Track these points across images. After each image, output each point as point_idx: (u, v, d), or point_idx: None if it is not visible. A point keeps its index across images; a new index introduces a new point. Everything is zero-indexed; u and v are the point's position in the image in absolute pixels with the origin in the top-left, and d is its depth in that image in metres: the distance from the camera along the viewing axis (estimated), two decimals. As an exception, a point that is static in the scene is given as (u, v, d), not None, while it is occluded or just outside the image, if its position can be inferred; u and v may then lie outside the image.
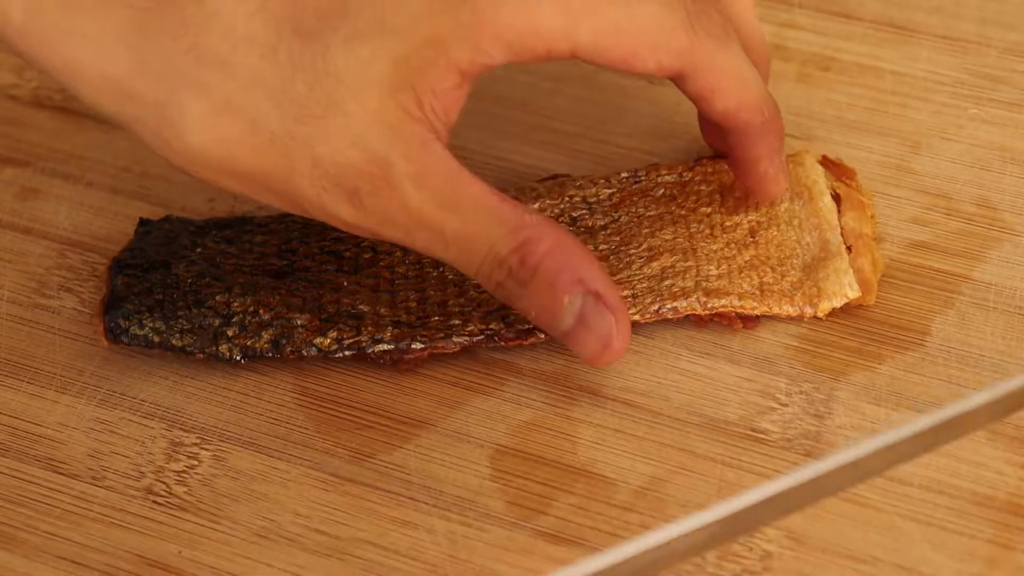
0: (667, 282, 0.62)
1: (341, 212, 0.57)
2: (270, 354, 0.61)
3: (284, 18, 0.55)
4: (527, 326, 0.61)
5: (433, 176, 0.56)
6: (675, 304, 0.62)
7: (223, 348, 0.61)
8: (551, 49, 0.56)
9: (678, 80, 0.59)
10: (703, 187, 0.65)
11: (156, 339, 0.62)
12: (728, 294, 0.62)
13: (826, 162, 0.66)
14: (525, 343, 0.61)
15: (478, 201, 0.57)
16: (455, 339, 0.61)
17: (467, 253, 0.57)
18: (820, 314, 0.62)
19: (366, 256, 0.64)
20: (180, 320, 0.62)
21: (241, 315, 0.62)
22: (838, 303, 0.62)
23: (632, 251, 0.63)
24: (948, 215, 0.67)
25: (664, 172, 0.65)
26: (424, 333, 0.61)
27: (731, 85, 0.60)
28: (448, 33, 0.55)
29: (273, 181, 0.56)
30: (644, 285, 0.62)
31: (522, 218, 0.57)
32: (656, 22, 0.57)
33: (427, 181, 0.56)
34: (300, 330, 0.61)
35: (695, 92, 0.60)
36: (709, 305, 0.62)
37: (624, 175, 0.65)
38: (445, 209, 0.56)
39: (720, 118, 0.61)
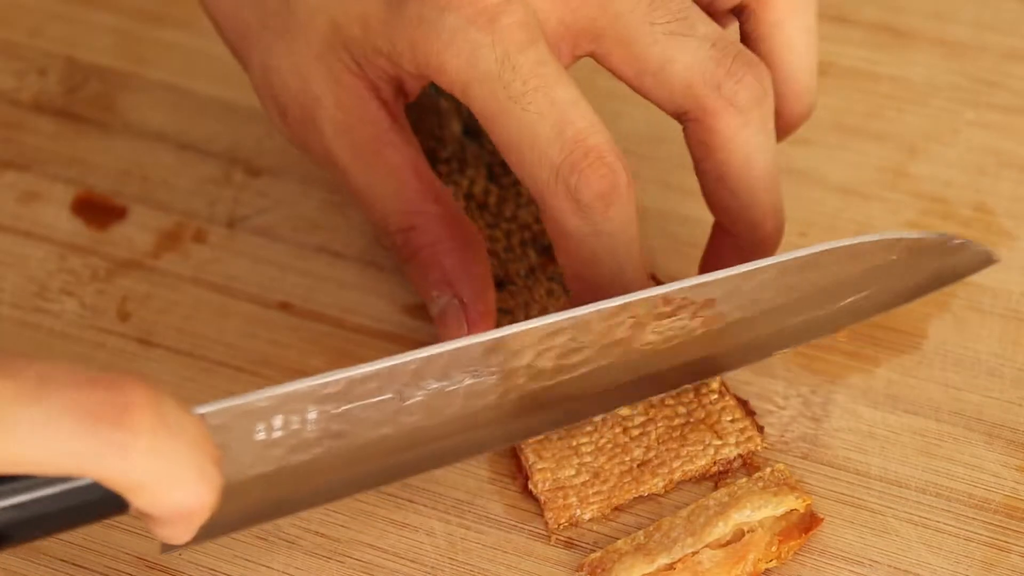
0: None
1: (272, 117, 0.61)
2: None
3: None
4: None
5: (357, 129, 0.59)
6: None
7: None
8: (451, 88, 0.56)
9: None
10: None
11: None
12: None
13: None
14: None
15: (391, 170, 0.59)
16: None
17: (365, 209, 0.60)
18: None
19: None
20: None
21: None
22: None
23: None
24: (945, 219, 0.67)
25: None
26: None
27: (738, 174, 0.58)
28: (377, 26, 0.57)
29: (235, 46, 0.62)
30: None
31: (421, 204, 0.59)
32: (684, 68, 0.56)
33: (350, 131, 0.59)
34: None
35: (695, 151, 0.58)
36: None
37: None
38: (357, 162, 0.59)
39: (709, 199, 0.59)
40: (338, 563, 0.57)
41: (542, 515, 0.58)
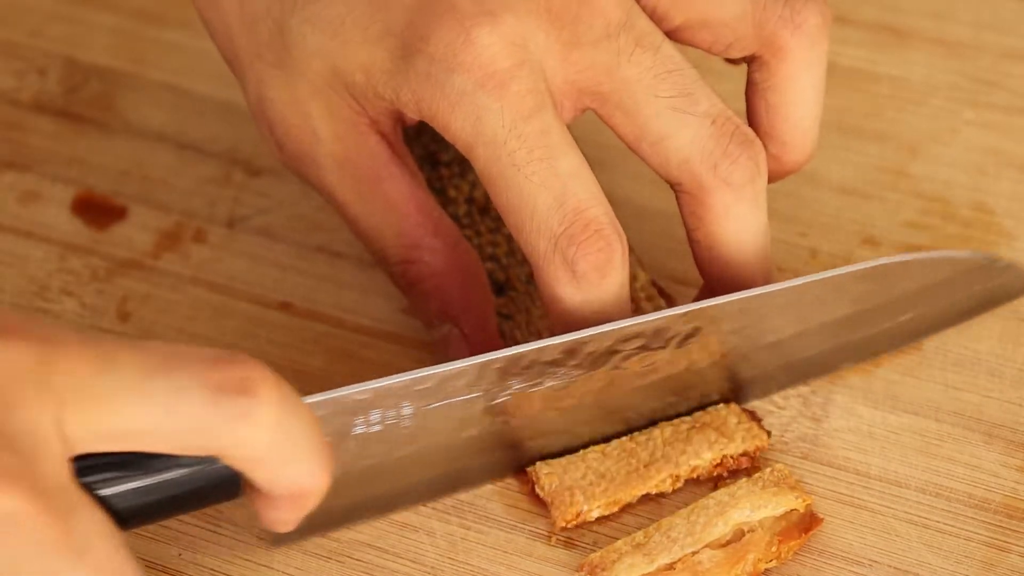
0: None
1: (268, 144, 0.61)
2: None
3: None
4: None
5: (356, 163, 0.59)
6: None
7: None
8: (455, 144, 0.57)
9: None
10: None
11: None
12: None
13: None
14: None
15: (391, 204, 0.59)
16: None
17: (364, 241, 0.60)
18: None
19: None
20: None
21: None
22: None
23: None
24: (945, 219, 0.67)
25: None
26: None
27: (729, 246, 0.59)
28: (381, 76, 0.57)
29: (230, 65, 0.62)
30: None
31: (420, 238, 0.59)
32: (683, 144, 0.57)
33: (348, 166, 0.59)
34: None
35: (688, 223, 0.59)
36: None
37: None
38: (356, 197, 0.59)
39: (700, 266, 0.60)
40: (338, 563, 0.57)
41: (545, 516, 0.58)
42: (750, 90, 0.60)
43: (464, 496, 0.59)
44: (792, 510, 0.57)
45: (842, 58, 0.73)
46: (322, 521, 0.55)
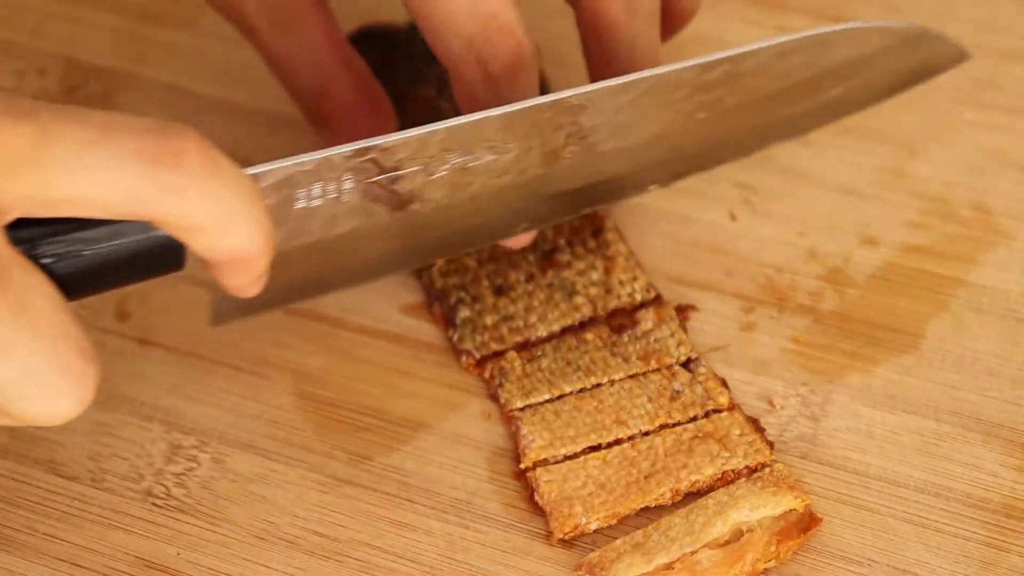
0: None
1: None
2: None
3: None
4: None
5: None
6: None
7: None
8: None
9: None
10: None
11: None
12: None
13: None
14: None
15: (305, 35, 0.62)
16: None
17: (279, 74, 0.63)
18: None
19: None
20: None
21: None
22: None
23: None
24: (944, 219, 0.67)
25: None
26: None
27: (623, 58, 0.61)
28: None
29: None
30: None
31: (334, 69, 0.62)
32: None
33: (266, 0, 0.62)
34: None
35: None
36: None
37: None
38: (272, 27, 0.62)
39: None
40: (337, 563, 0.58)
41: (544, 515, 0.58)
42: None
43: (462, 495, 0.59)
44: (791, 510, 0.57)
45: (842, 58, 0.73)
46: (270, 296, 0.57)
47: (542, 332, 0.63)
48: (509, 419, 0.61)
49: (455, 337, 0.63)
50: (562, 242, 0.65)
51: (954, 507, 0.58)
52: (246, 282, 0.52)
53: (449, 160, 0.57)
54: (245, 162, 0.70)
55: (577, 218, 0.66)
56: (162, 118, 0.49)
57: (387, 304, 0.65)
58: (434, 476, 0.60)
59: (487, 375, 0.62)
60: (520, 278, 0.65)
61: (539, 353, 0.62)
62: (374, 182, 0.56)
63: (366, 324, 0.65)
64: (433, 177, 0.57)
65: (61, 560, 0.58)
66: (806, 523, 0.57)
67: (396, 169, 0.56)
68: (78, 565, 0.58)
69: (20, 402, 0.49)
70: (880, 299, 0.64)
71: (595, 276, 0.64)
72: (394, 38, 0.71)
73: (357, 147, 0.55)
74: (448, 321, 0.64)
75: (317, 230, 0.57)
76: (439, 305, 0.64)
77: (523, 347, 0.63)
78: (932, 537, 0.57)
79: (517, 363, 0.62)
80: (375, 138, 0.56)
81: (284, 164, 0.55)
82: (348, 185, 0.56)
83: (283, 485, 0.60)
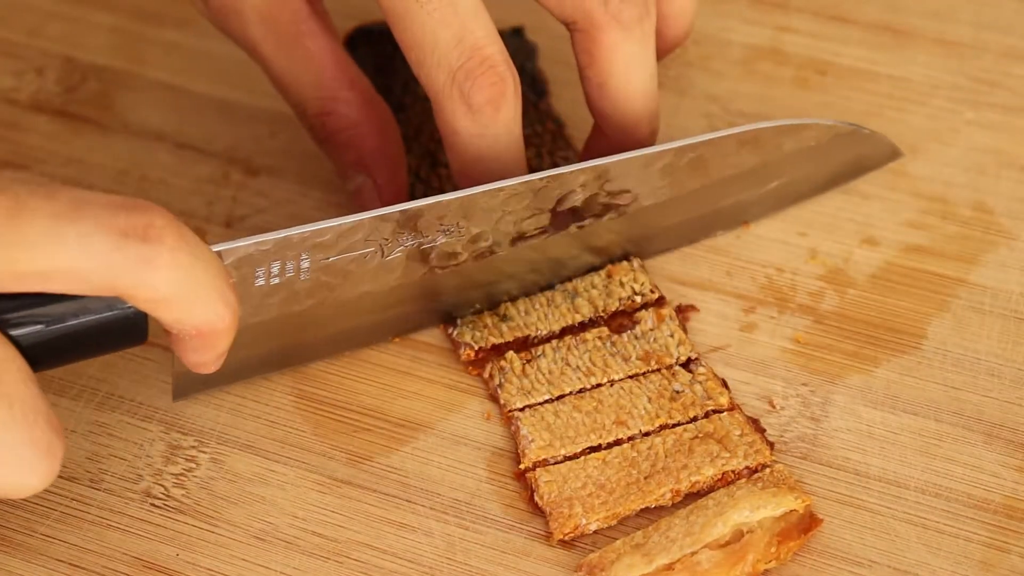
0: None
1: (195, 1, 0.64)
2: None
3: None
4: None
5: (279, 19, 0.62)
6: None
7: None
8: None
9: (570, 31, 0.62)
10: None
11: None
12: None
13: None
14: None
15: (310, 57, 0.63)
16: None
17: (284, 94, 0.64)
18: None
19: None
20: None
21: None
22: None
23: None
24: (944, 219, 0.67)
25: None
26: None
27: (618, 83, 0.62)
28: None
29: None
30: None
31: (337, 90, 0.63)
32: None
33: (271, 20, 0.62)
34: None
35: (579, 57, 0.62)
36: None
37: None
38: (278, 50, 0.63)
39: (591, 104, 0.63)
40: (336, 563, 0.57)
41: (544, 516, 0.58)
42: None
43: (462, 496, 0.59)
44: (791, 511, 0.57)
45: (842, 58, 0.73)
46: (231, 371, 0.59)
47: (542, 332, 0.63)
48: (509, 419, 0.61)
49: (454, 333, 0.63)
50: None
51: (955, 508, 0.58)
52: (209, 359, 0.54)
53: (403, 242, 0.59)
54: (245, 162, 0.71)
55: None
56: (137, 199, 0.51)
57: (386, 304, 0.65)
58: (434, 477, 0.60)
59: (487, 375, 0.62)
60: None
61: (539, 353, 0.62)
62: (330, 262, 0.58)
63: (365, 324, 0.65)
64: (388, 259, 0.59)
65: (60, 561, 0.58)
66: (807, 524, 0.57)
67: (350, 251, 0.59)
68: (77, 566, 0.58)
69: None
70: (881, 299, 0.64)
71: (596, 278, 0.64)
72: (394, 38, 0.71)
73: (314, 228, 0.58)
74: (448, 320, 0.64)
75: (276, 306, 0.59)
76: (439, 305, 0.64)
77: (523, 346, 0.63)
78: (933, 538, 0.57)
79: (517, 363, 0.62)
80: (330, 220, 0.58)
81: (244, 243, 0.56)
82: (306, 264, 0.58)
83: (282, 486, 0.60)
